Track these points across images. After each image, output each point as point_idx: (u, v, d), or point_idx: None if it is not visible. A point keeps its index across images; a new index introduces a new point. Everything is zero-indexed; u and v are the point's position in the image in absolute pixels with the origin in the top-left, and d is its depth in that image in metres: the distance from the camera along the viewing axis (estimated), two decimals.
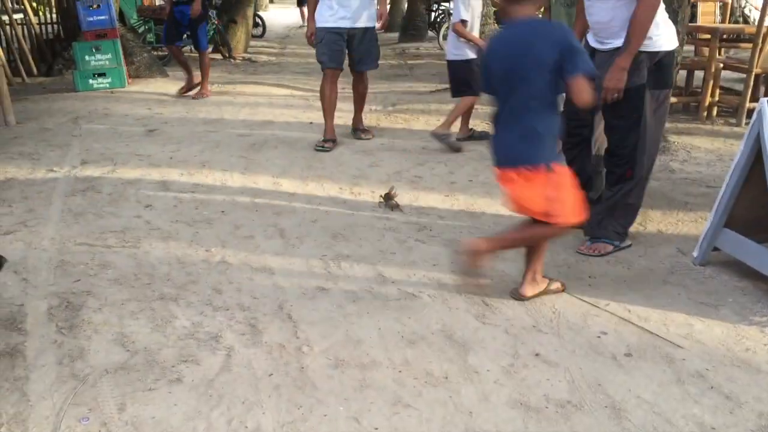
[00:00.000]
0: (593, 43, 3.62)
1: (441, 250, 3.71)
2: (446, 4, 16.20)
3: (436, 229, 4.03)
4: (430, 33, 15.89)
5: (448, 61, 5.93)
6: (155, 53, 10.73)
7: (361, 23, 5.62)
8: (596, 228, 3.67)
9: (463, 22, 5.65)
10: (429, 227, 4.05)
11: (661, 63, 3.47)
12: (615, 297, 3.17)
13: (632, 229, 3.80)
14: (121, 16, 11.17)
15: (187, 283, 3.33)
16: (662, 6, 3.42)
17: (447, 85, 8.88)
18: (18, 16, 10.58)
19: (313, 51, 5.78)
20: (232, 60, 12.21)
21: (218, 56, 12.70)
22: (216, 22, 12.41)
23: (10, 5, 10.58)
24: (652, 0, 3.30)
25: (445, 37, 14.10)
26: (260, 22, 16.74)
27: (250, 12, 13.63)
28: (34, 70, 10.01)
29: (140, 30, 11.45)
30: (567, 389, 2.48)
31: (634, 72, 3.38)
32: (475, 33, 5.73)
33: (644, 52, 3.39)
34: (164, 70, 9.93)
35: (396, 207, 4.35)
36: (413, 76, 9.99)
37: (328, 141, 5.74)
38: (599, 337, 2.84)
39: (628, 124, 3.49)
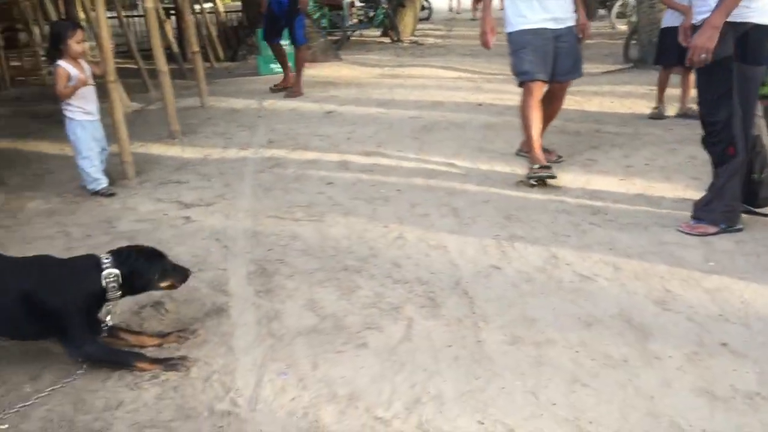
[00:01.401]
0: (693, 20, 3.49)
1: (617, 234, 3.65)
2: None
3: (611, 213, 3.96)
4: (601, 11, 15.31)
5: None
6: (330, 38, 11.21)
7: (568, 21, 4.44)
8: (702, 209, 3.60)
9: None
10: (604, 211, 3.99)
11: (749, 36, 3.29)
12: None
13: None
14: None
15: (369, 257, 3.53)
16: None
17: (621, 66, 8.63)
18: (208, 5, 11.48)
19: (478, 33, 4.64)
20: (400, 43, 12.50)
21: (387, 40, 13.06)
22: (386, 7, 12.75)
23: None
24: None
25: (617, 16, 13.57)
26: (427, 5, 16.95)
27: None
28: (221, 55, 10.83)
29: (315, 16, 11.98)
30: (756, 381, 2.39)
31: (720, 42, 3.24)
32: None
33: (729, 22, 3.23)
34: (338, 54, 10.37)
35: (536, 185, 4.40)
36: (584, 57, 9.68)
37: (545, 168, 4.40)
38: None
39: (715, 98, 3.41)
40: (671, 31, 5.67)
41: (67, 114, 4.53)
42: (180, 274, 2.83)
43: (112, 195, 4.57)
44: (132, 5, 14.38)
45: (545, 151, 4.71)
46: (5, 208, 4.52)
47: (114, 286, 2.58)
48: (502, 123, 6.00)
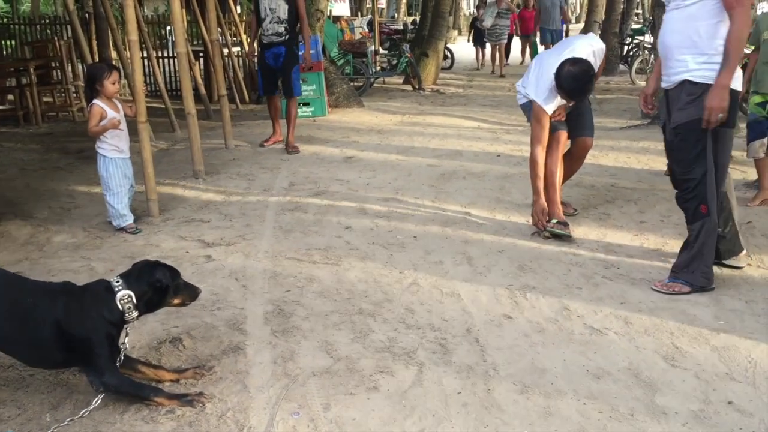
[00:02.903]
0: (664, 84, 3.66)
1: (629, 289, 3.71)
2: (640, 37, 15.76)
3: (623, 267, 4.02)
4: (622, 67, 15.50)
5: None
6: (353, 84, 11.46)
7: None
8: (684, 271, 3.65)
9: None
10: (617, 265, 4.05)
11: None
12: None
13: None
14: (322, 49, 12.07)
15: (383, 301, 3.61)
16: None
17: (639, 122, 8.74)
18: (236, 49, 11.79)
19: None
20: (421, 91, 12.72)
21: (409, 87, 13.30)
22: (409, 55, 13.02)
23: (230, 38, 11.84)
24: (745, 16, 3.33)
25: (637, 71, 13.75)
26: (449, 55, 17.25)
27: (441, 45, 14.13)
28: (247, 97, 11.09)
29: (339, 62, 12.28)
30: None
31: (695, 102, 3.42)
32: None
33: (704, 84, 3.41)
34: (360, 100, 10.57)
35: (551, 237, 4.46)
36: (602, 111, 9.84)
37: (563, 225, 4.47)
38: None
39: (691, 156, 3.51)
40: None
41: (100, 151, 4.69)
42: (191, 292, 2.90)
43: (138, 232, 4.70)
44: (162, 46, 14.78)
45: (561, 203, 4.79)
46: (32, 240, 4.66)
47: (130, 307, 2.66)
48: (519, 174, 6.10)
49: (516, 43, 18.85)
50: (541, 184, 4.52)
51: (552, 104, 4.47)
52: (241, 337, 3.25)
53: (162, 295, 2.77)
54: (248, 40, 8.45)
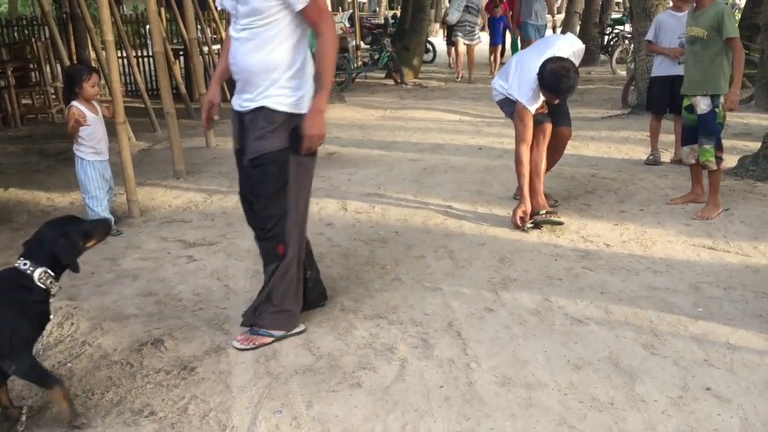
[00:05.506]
0: (237, 107, 3.16)
1: (609, 279, 3.74)
2: (620, 27, 15.84)
3: (604, 257, 4.05)
4: (603, 57, 15.57)
5: None
6: (334, 80, 11.43)
7: None
8: (252, 315, 3.28)
9: (648, 42, 6.10)
10: (597, 255, 4.07)
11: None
12: None
13: None
14: None
15: (365, 297, 3.62)
16: (312, 73, 3.04)
17: (619, 111, 8.80)
18: (216, 47, 11.72)
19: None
20: (404, 85, 12.72)
21: (391, 82, 13.31)
22: (390, 50, 13.01)
23: (210, 35, 11.77)
24: (332, 33, 3.00)
25: (617, 61, 13.82)
26: (431, 48, 17.24)
27: (422, 39, 14.13)
28: (228, 96, 11.03)
29: None
30: (739, 426, 2.46)
31: (274, 133, 3.01)
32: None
33: (285, 112, 3.00)
34: (342, 96, 10.56)
35: (532, 228, 4.51)
36: (583, 102, 9.89)
37: (550, 213, 4.60)
38: None
39: (272, 191, 3.08)
40: (659, 80, 5.95)
41: (78, 153, 4.66)
42: (101, 229, 2.80)
43: (118, 234, 4.67)
44: (142, 45, 14.66)
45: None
46: (12, 245, 4.61)
47: (51, 282, 2.56)
48: (501, 166, 6.12)
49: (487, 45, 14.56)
50: (526, 183, 4.53)
51: (536, 104, 4.50)
52: (224, 337, 3.24)
53: (72, 253, 2.64)
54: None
